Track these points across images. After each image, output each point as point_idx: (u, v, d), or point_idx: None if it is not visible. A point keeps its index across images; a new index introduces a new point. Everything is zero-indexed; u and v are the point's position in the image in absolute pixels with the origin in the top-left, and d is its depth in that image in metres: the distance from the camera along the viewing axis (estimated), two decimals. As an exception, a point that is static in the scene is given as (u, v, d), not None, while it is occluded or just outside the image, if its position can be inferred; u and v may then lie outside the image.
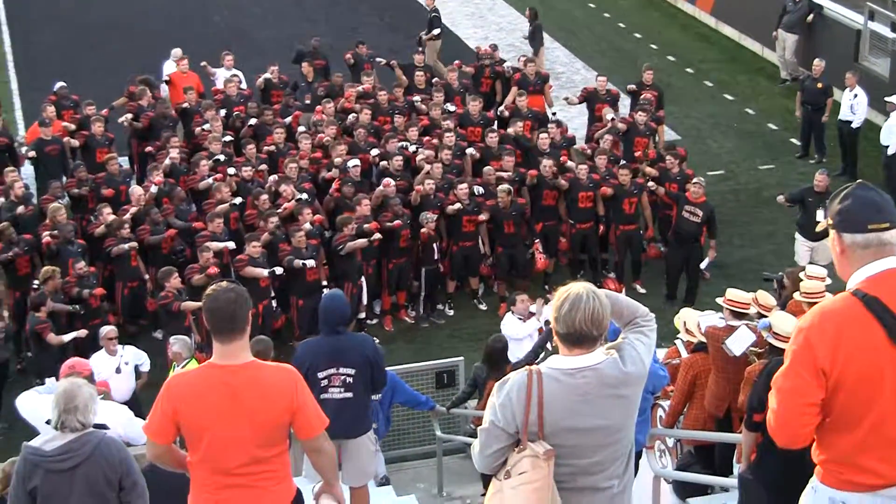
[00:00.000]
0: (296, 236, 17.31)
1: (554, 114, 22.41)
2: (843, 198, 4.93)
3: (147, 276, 17.97)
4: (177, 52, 23.77)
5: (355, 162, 19.11)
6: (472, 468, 14.60)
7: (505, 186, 18.57)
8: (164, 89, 22.77)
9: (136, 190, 18.58)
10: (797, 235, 18.75)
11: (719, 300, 11.33)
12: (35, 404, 9.45)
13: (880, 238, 4.87)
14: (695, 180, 18.80)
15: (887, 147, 21.13)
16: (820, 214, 18.04)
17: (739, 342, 10.34)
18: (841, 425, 4.94)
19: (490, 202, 18.62)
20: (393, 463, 14.98)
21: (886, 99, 21.52)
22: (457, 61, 23.79)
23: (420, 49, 24.60)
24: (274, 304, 17.62)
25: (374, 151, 19.74)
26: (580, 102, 22.67)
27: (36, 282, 16.85)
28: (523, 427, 5.26)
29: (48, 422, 8.90)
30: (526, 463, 5.23)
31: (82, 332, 15.97)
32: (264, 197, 18.15)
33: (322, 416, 6.46)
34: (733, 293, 11.16)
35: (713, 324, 11.11)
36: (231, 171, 19.09)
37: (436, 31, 26.46)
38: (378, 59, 24.07)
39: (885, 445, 4.87)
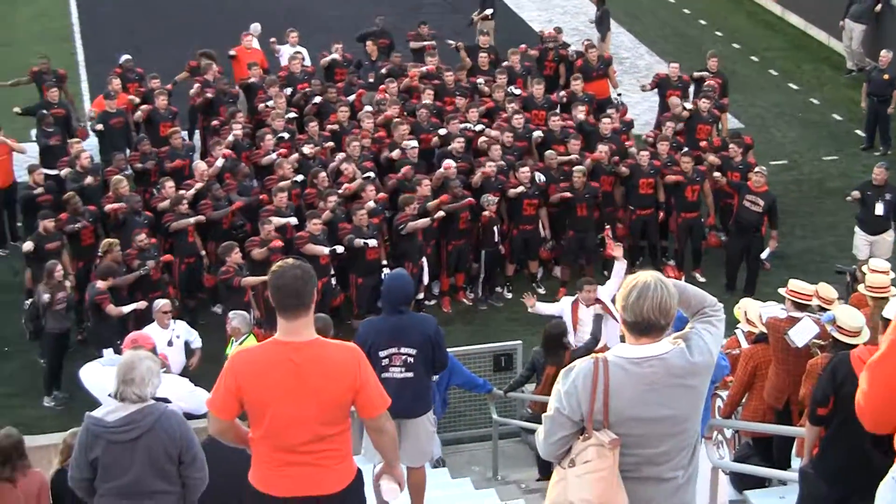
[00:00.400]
0: (357, 214, 17.33)
1: (619, 94, 22.21)
2: None
3: (204, 252, 18.07)
4: (256, 26, 23.83)
5: (413, 143, 19.11)
6: (526, 452, 14.72)
7: (581, 168, 18.47)
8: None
9: (199, 165, 18.64)
10: (856, 229, 18.58)
11: (781, 290, 11.24)
12: (98, 377, 9.49)
13: None
14: (757, 169, 18.65)
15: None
16: (879, 208, 17.89)
17: (802, 334, 10.25)
18: None
19: (563, 184, 18.55)
20: (448, 445, 14.99)
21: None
22: (522, 45, 23.68)
23: (483, 31, 24.44)
24: (333, 281, 17.64)
25: (442, 131, 19.68)
26: (652, 89, 22.51)
27: (100, 253, 17.02)
28: (588, 415, 5.25)
29: (111, 395, 9.03)
30: (591, 452, 5.23)
31: (142, 304, 16.07)
32: (323, 175, 18.16)
33: (385, 396, 6.47)
34: (796, 284, 11.06)
35: (775, 314, 11.02)
36: (306, 149, 19.12)
37: (488, 12, 26.42)
38: (448, 42, 23.94)
39: None
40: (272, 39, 23.54)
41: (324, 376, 6.21)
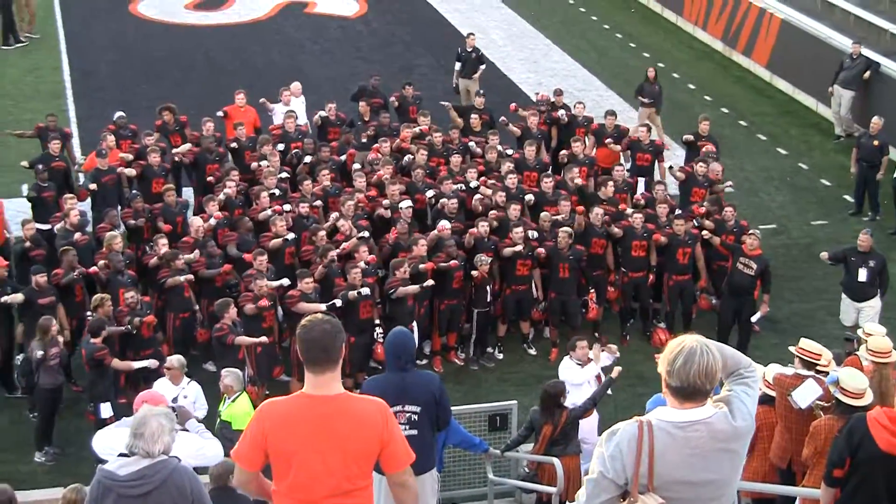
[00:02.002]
0: (352, 273, 17.35)
1: (621, 165, 22.34)
2: None
3: (198, 308, 18.05)
4: (296, 85, 24.04)
5: (408, 203, 19.16)
6: (521, 512, 14.69)
7: (567, 229, 18.54)
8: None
9: (195, 221, 18.67)
10: (843, 295, 18.62)
11: (792, 349, 11.31)
12: (107, 438, 9.50)
13: None
14: (751, 232, 18.75)
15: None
16: (863, 274, 17.95)
17: (806, 395, 10.29)
18: None
19: (548, 243, 18.61)
20: (443, 504, 14.95)
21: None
22: (512, 104, 23.86)
23: (479, 91, 24.56)
24: None
25: (430, 192, 19.80)
26: (622, 151, 22.64)
27: (89, 312, 17.02)
28: (634, 479, 5.25)
29: (120, 455, 9.01)
30: None
31: (153, 363, 16.04)
32: (322, 233, 18.19)
33: (409, 451, 6.48)
34: (806, 343, 11.18)
35: (782, 371, 11.08)
36: (287, 206, 19.17)
37: (482, 67, 27.04)
38: (444, 103, 24.04)
39: None
40: (262, 100, 23.65)
41: (351, 430, 6.23)
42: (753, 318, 18.78)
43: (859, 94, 26.56)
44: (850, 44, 27.00)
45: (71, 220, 18.49)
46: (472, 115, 22.90)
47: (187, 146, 21.62)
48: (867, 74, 26.44)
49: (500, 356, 19.09)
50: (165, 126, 22.27)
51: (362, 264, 17.66)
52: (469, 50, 27.24)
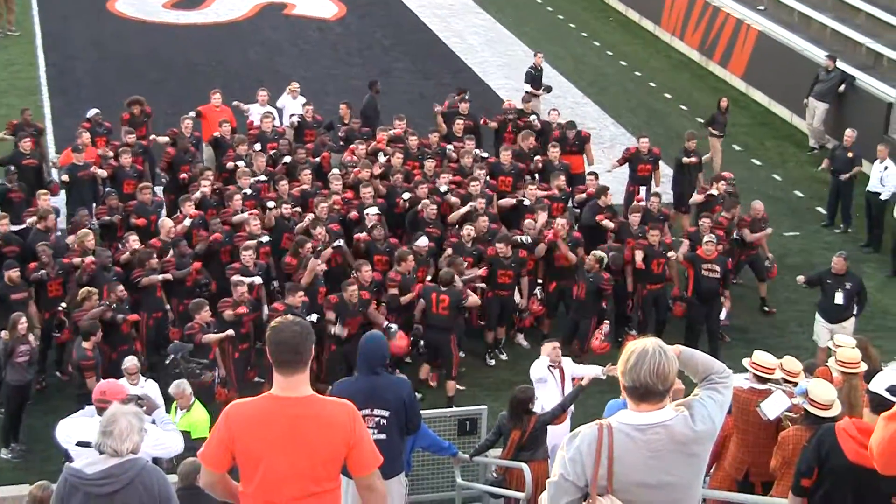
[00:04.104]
0: (348, 290, 17.14)
1: (592, 174, 22.35)
2: None
3: (169, 307, 18.02)
4: (294, 85, 24.15)
5: (375, 210, 19.13)
6: (489, 517, 14.72)
7: (599, 253, 18.52)
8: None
9: (165, 223, 18.64)
10: (817, 317, 18.59)
11: (745, 362, 11.32)
12: (68, 427, 9.49)
13: None
14: (706, 239, 18.77)
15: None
16: (839, 297, 18.00)
17: (774, 406, 10.32)
18: None
19: (490, 250, 18.66)
20: (410, 508, 14.95)
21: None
22: (483, 118, 23.87)
23: (466, 98, 24.42)
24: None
25: (406, 195, 19.80)
26: (621, 164, 22.74)
27: (63, 304, 16.98)
28: (593, 481, 5.30)
29: (78, 443, 8.98)
30: None
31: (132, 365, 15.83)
32: (309, 245, 18.00)
33: (377, 454, 6.47)
34: (759, 357, 11.13)
35: (739, 385, 11.08)
36: (270, 204, 19.16)
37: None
38: (437, 108, 23.72)
39: None
40: (235, 102, 23.62)
41: (319, 432, 6.22)
42: (722, 316, 19.02)
43: (833, 107, 26.70)
44: (825, 56, 27.16)
45: (48, 223, 18.36)
46: (457, 121, 22.86)
47: (165, 139, 21.68)
48: (842, 87, 26.58)
49: (492, 363, 19.14)
50: (134, 119, 22.25)
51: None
52: (539, 68, 27.14)
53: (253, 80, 26.32)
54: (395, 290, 17.77)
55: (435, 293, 17.40)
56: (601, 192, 20.40)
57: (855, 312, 18.31)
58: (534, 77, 26.85)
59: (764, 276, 20.64)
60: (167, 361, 16.21)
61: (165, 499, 6.91)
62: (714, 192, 20.94)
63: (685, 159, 22.58)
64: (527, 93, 25.77)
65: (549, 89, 26.84)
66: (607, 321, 18.62)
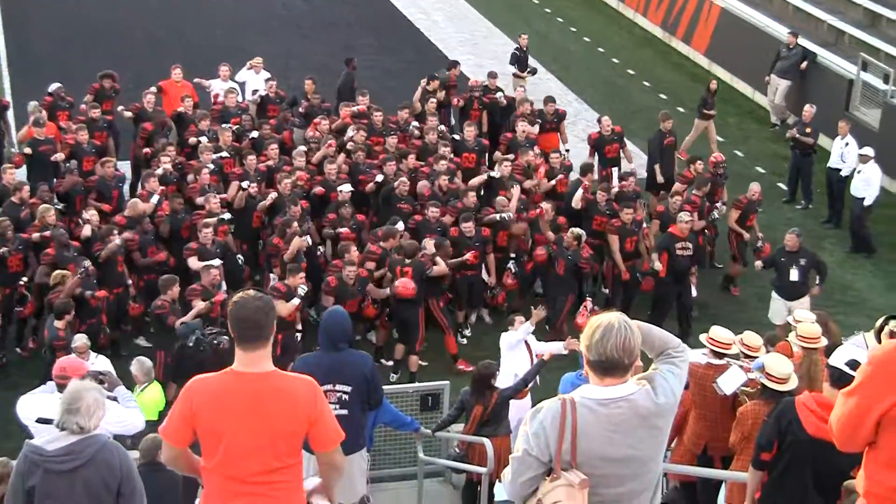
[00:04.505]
0: (347, 269, 17.18)
1: (567, 150, 22.35)
2: None
3: (130, 283, 17.92)
4: (257, 60, 24.07)
5: (348, 187, 19.09)
6: (451, 492, 14.76)
7: (576, 230, 18.56)
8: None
9: (137, 203, 18.47)
10: (773, 295, 18.62)
11: (702, 337, 11.39)
12: (29, 403, 9.44)
13: None
14: (681, 216, 18.82)
15: (862, 199, 21.43)
16: (794, 273, 18.10)
17: (731, 382, 10.39)
18: (890, 461, 5.21)
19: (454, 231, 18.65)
20: (373, 483, 14.89)
21: (860, 152, 21.69)
22: (454, 99, 23.86)
23: (434, 76, 24.25)
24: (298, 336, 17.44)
25: (379, 177, 19.60)
26: (593, 155, 22.45)
27: (24, 279, 16.90)
28: (557, 455, 5.32)
29: (38, 420, 8.93)
30: (560, 492, 5.30)
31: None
32: (296, 225, 17.89)
33: (338, 430, 6.49)
34: (716, 332, 11.20)
35: (696, 360, 11.14)
36: (245, 184, 19.06)
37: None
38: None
39: None
40: (196, 79, 23.47)
41: (280, 407, 6.23)
42: (694, 293, 19.24)
43: (795, 84, 26.83)
44: (787, 33, 27.28)
45: (22, 195, 18.24)
46: (430, 100, 22.73)
47: (129, 114, 21.59)
48: (804, 65, 26.71)
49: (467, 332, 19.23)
50: (102, 91, 22.12)
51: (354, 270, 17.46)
52: (525, 49, 27.08)
53: (215, 55, 26.19)
54: (372, 265, 17.75)
55: (399, 266, 17.41)
56: (586, 169, 20.43)
57: (818, 282, 18.41)
58: (519, 58, 26.83)
59: (746, 260, 20.58)
60: (189, 344, 15.85)
61: (127, 475, 6.91)
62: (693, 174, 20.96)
63: (666, 140, 22.66)
64: (514, 75, 25.88)
65: (534, 71, 26.88)
66: (589, 298, 18.54)
